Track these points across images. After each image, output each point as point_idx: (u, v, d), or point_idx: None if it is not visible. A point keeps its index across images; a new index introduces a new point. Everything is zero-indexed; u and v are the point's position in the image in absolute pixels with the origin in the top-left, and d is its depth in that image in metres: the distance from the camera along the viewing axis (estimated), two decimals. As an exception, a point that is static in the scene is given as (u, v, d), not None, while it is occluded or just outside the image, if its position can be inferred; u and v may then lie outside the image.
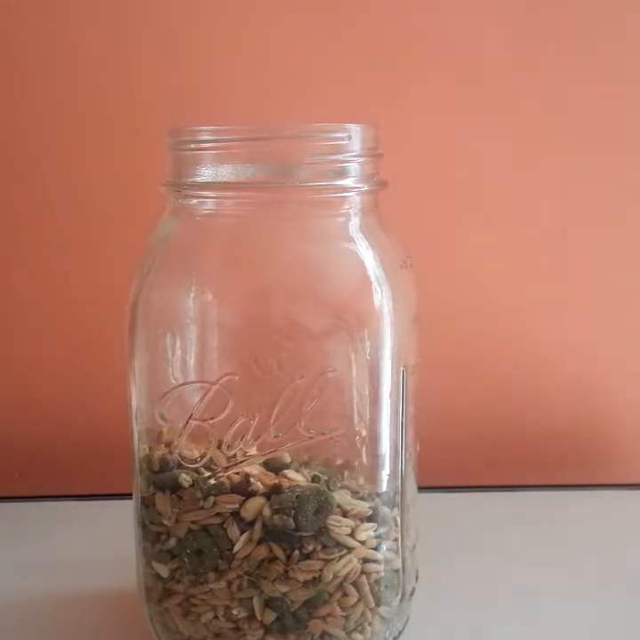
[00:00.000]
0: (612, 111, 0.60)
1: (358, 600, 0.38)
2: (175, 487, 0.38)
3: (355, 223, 0.38)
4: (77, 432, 0.62)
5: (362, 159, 0.38)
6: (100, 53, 0.59)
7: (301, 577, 0.37)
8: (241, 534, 0.37)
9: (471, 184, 0.61)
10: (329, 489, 0.38)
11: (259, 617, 0.38)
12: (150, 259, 0.39)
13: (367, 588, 0.39)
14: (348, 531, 0.38)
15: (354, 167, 0.38)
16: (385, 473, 0.40)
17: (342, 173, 0.38)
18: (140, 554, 0.41)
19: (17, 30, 0.58)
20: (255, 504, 0.38)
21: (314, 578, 0.38)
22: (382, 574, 0.39)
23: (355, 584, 0.38)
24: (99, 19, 0.58)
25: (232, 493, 0.38)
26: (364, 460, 0.39)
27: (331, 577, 0.38)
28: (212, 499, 0.38)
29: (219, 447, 0.38)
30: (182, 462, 0.38)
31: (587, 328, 0.63)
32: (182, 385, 0.38)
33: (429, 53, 0.59)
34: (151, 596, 0.40)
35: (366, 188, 0.38)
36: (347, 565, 0.38)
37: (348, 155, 0.38)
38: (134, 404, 0.40)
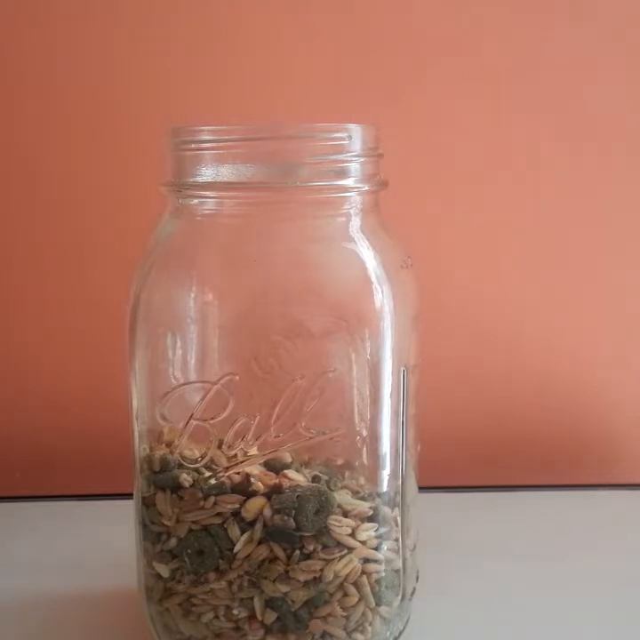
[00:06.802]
0: (614, 111, 0.60)
1: (359, 600, 0.38)
2: (176, 487, 0.38)
3: (355, 223, 0.38)
4: (78, 432, 0.62)
5: (362, 159, 0.38)
6: (100, 53, 0.59)
7: (302, 577, 0.37)
8: (241, 534, 0.37)
9: (471, 184, 0.61)
10: (329, 489, 0.38)
11: (259, 617, 0.38)
12: (151, 258, 0.39)
13: (368, 588, 0.39)
14: (349, 531, 0.38)
15: (354, 167, 0.38)
16: (385, 473, 0.40)
17: (343, 173, 0.38)
18: (141, 554, 0.41)
19: (16, 30, 0.58)
20: (256, 504, 0.38)
21: (314, 578, 0.38)
22: (383, 574, 0.39)
23: (355, 584, 0.38)
24: (100, 19, 0.58)
25: (233, 493, 0.38)
26: (365, 460, 0.39)
27: (331, 577, 0.38)
28: (212, 499, 0.38)
29: (219, 447, 0.38)
30: (183, 462, 0.38)
31: (588, 328, 0.64)
32: (183, 385, 0.38)
33: (429, 53, 0.59)
34: (152, 596, 0.40)
35: (367, 188, 0.38)
36: (347, 565, 0.38)
37: (349, 155, 0.38)
38: (135, 403, 0.40)
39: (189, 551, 0.38)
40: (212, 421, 0.38)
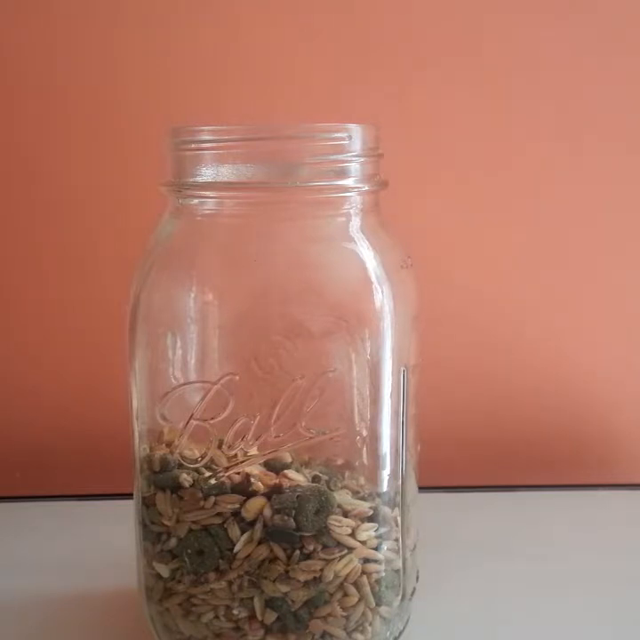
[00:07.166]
0: (614, 111, 0.60)
1: (359, 600, 0.38)
2: (176, 487, 0.38)
3: (355, 223, 0.38)
4: (78, 432, 0.62)
5: (362, 159, 0.38)
6: (100, 53, 0.59)
7: (302, 577, 0.37)
8: (242, 534, 0.37)
9: (472, 184, 0.61)
10: (330, 489, 0.38)
11: (259, 617, 0.38)
12: (151, 258, 0.39)
13: (368, 588, 0.39)
14: (349, 531, 0.38)
15: (354, 167, 0.38)
16: (385, 473, 0.40)
17: (343, 173, 0.38)
18: (141, 554, 0.41)
19: (16, 30, 0.58)
20: (256, 504, 0.38)
21: (314, 578, 0.38)
22: (383, 574, 0.39)
23: (355, 584, 0.38)
24: (100, 19, 0.58)
25: (233, 493, 0.38)
26: (365, 460, 0.39)
27: (331, 577, 0.38)
28: (212, 499, 0.38)
29: (219, 447, 0.38)
30: (183, 462, 0.38)
31: (588, 328, 0.63)
32: (183, 385, 0.38)
33: (429, 53, 0.59)
34: (152, 596, 0.40)
35: (367, 188, 0.38)
36: (347, 565, 0.38)
37: (349, 155, 0.38)
38: (135, 403, 0.40)
39: (189, 551, 0.38)
40: (212, 421, 0.38)
